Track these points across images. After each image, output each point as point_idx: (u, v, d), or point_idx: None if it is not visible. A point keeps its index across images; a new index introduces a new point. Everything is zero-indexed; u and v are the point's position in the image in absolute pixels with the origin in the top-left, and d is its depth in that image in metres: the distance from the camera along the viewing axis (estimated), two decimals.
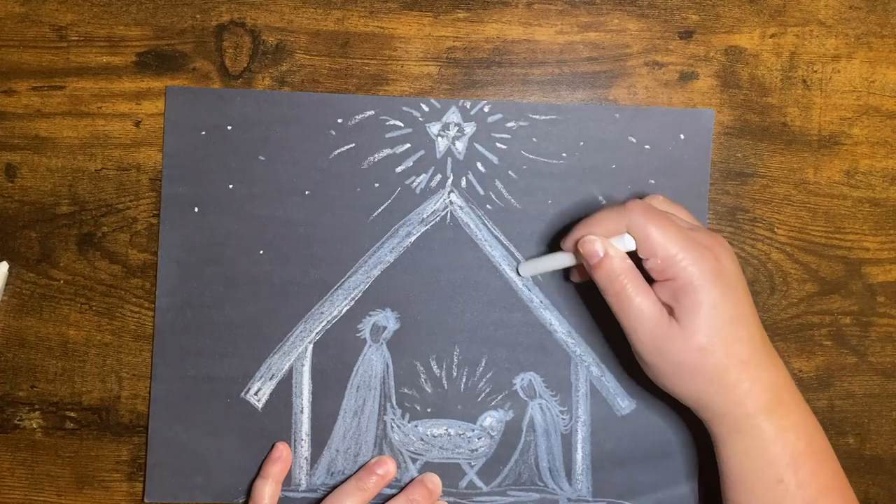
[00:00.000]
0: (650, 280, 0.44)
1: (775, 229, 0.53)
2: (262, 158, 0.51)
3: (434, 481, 0.50)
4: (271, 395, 0.51)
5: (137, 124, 0.52)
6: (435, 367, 0.52)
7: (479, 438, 0.51)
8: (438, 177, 0.52)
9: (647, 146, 0.52)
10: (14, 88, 0.52)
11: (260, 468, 0.50)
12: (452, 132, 0.52)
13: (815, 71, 0.53)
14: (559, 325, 0.52)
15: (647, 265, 0.43)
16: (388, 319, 0.52)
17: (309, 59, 0.52)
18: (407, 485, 0.51)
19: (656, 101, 0.52)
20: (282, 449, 0.50)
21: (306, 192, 0.51)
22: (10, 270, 0.51)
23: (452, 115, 0.52)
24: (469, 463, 0.51)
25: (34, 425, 0.52)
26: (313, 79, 0.52)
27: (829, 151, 0.53)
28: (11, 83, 0.52)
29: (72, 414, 0.52)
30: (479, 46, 0.52)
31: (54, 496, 0.51)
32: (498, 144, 0.52)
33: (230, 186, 0.51)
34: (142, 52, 0.52)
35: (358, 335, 0.52)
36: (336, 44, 0.52)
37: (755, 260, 0.52)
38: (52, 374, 0.52)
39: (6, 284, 0.51)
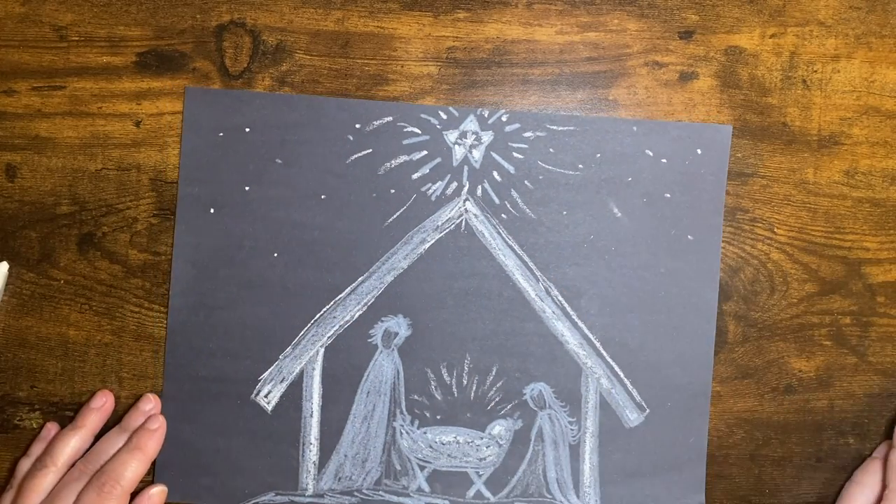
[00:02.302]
0: None
1: (775, 229, 0.53)
2: (279, 161, 0.51)
3: (161, 490, 0.50)
4: (281, 398, 0.51)
5: (137, 124, 0.52)
6: (445, 375, 0.52)
7: (487, 447, 0.51)
8: (454, 185, 0.52)
9: (663, 160, 0.52)
10: (14, 88, 0.52)
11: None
12: (469, 140, 0.52)
13: (815, 71, 0.53)
14: (571, 336, 0.52)
15: None
16: (399, 326, 0.52)
17: (309, 59, 0.52)
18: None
19: (656, 101, 0.52)
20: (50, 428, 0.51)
21: (322, 197, 0.51)
22: (10, 270, 0.51)
23: (470, 124, 0.52)
24: (477, 472, 0.51)
25: (34, 425, 0.52)
26: (313, 79, 0.52)
27: (829, 151, 0.53)
28: (11, 83, 0.52)
29: (72, 414, 0.52)
30: (479, 46, 0.52)
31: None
32: (515, 154, 0.52)
33: (246, 188, 0.51)
34: (142, 52, 0.52)
35: (369, 340, 0.52)
36: (336, 44, 0.52)
37: (755, 260, 0.53)
38: (52, 374, 0.52)
39: (6, 284, 0.51)
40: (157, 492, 0.50)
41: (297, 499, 0.51)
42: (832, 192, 0.53)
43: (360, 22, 0.52)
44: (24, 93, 0.52)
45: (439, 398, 0.52)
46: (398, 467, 0.51)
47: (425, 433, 0.51)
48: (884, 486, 0.48)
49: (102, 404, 0.50)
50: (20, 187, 0.52)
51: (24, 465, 0.49)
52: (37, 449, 0.50)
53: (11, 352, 0.52)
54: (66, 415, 0.51)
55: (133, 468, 0.47)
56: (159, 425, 0.50)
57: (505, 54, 0.52)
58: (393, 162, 0.52)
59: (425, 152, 0.52)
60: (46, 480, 0.47)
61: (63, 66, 0.52)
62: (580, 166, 0.52)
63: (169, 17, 0.52)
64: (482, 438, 0.51)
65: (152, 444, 0.49)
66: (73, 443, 0.49)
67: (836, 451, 0.52)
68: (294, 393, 0.51)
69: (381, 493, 0.51)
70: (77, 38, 0.52)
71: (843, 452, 0.52)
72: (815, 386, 0.53)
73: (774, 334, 0.53)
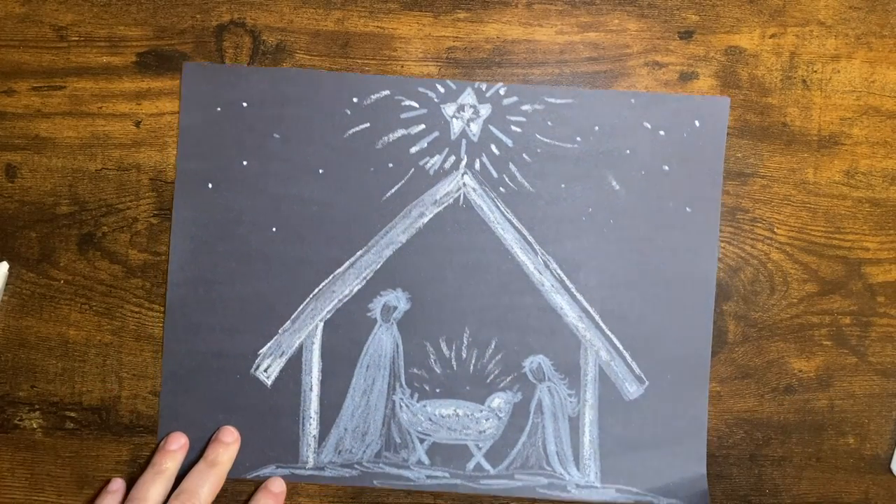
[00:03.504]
0: None
1: (775, 229, 0.53)
2: (277, 136, 0.52)
3: (279, 485, 0.50)
4: (281, 372, 0.51)
5: (137, 124, 0.52)
6: (445, 348, 0.52)
7: (486, 419, 0.52)
8: (452, 158, 0.52)
9: (661, 132, 0.52)
10: (14, 88, 0.52)
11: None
12: (467, 114, 0.52)
13: (815, 71, 0.53)
14: (569, 308, 0.52)
15: None
16: (398, 299, 0.52)
17: (309, 59, 0.52)
18: (255, 494, 0.50)
19: None
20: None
21: (320, 171, 0.52)
22: (10, 270, 0.51)
23: (468, 97, 0.52)
24: (477, 445, 0.52)
25: (34, 425, 0.52)
26: None
27: (829, 151, 0.53)
28: (11, 83, 0.52)
29: (72, 414, 0.52)
30: (479, 46, 0.52)
31: (54, 496, 0.51)
32: (513, 127, 0.52)
33: (244, 163, 0.52)
34: (142, 52, 0.52)
35: (368, 315, 0.52)
36: (336, 44, 0.52)
37: (755, 260, 0.53)
38: (52, 374, 0.52)
39: (6, 284, 0.51)
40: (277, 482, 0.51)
41: (297, 471, 0.51)
42: (832, 192, 0.53)
43: (360, 22, 0.52)
44: (24, 93, 0.52)
45: (438, 371, 0.52)
46: (398, 440, 0.52)
47: (425, 406, 0.52)
48: None
49: (180, 445, 0.50)
50: (20, 187, 0.52)
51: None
52: (107, 502, 0.49)
53: (11, 352, 0.52)
54: (66, 415, 0.52)
55: (210, 483, 0.48)
56: (234, 439, 0.50)
57: (505, 54, 0.52)
58: (391, 136, 0.52)
59: (423, 126, 0.52)
60: None
61: (63, 66, 0.52)
62: (578, 139, 0.52)
63: (169, 17, 0.52)
64: (481, 411, 0.52)
65: (227, 457, 0.50)
66: (160, 484, 0.48)
67: (836, 451, 0.52)
68: (293, 367, 0.51)
69: (381, 465, 0.51)
70: (77, 38, 0.52)
71: (843, 452, 0.52)
72: (815, 386, 0.53)
73: (774, 334, 0.53)
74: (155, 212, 0.52)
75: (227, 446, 0.50)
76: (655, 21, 0.53)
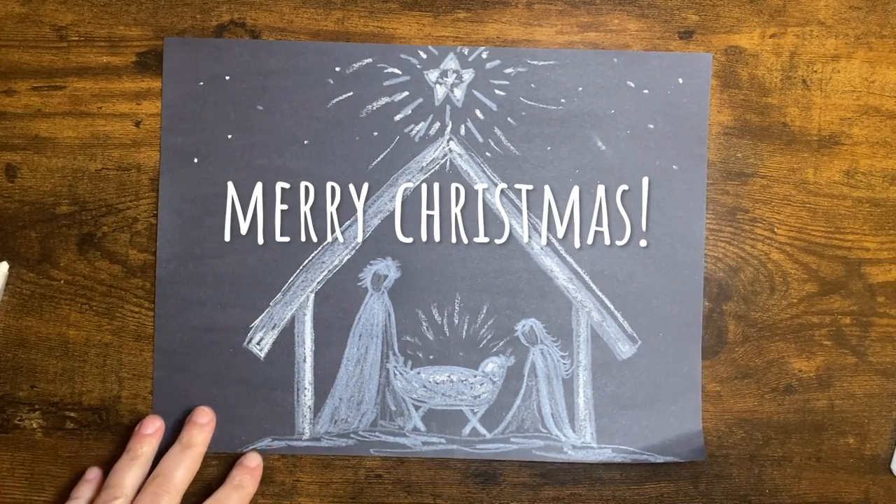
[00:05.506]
0: None
1: (775, 229, 0.53)
2: (261, 108, 0.52)
3: (254, 459, 0.50)
4: (273, 344, 0.51)
5: (137, 124, 0.52)
6: (436, 315, 0.52)
7: (481, 384, 0.52)
8: (437, 125, 0.52)
9: (645, 91, 0.52)
10: (14, 88, 0.52)
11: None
12: (451, 79, 0.52)
13: (815, 71, 0.53)
14: (559, 270, 0.52)
15: None
16: (388, 268, 0.52)
17: None
18: (230, 471, 0.50)
19: None
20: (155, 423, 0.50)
21: (305, 142, 0.52)
22: (10, 270, 0.51)
23: (450, 62, 0.52)
24: (472, 410, 0.52)
25: (34, 425, 0.52)
26: None
27: (829, 151, 0.53)
28: (11, 83, 0.52)
29: (72, 414, 0.52)
30: (479, 46, 0.52)
31: (54, 496, 0.51)
32: (496, 91, 0.52)
33: (229, 137, 0.52)
34: (142, 52, 0.52)
35: (359, 284, 0.52)
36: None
37: (755, 260, 0.53)
38: (52, 374, 0.52)
39: (6, 284, 0.51)
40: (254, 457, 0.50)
41: (294, 443, 0.51)
42: (832, 192, 0.53)
43: (360, 22, 0.52)
44: (24, 93, 0.52)
45: (431, 338, 0.52)
46: (393, 408, 0.52)
47: (419, 373, 0.52)
48: None
49: (155, 429, 0.50)
50: (20, 187, 0.52)
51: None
52: (83, 491, 0.49)
53: (11, 352, 0.52)
54: (66, 415, 0.52)
55: (185, 466, 0.48)
56: (208, 420, 0.50)
57: None
58: (374, 104, 0.52)
59: (406, 93, 0.52)
60: None
61: (63, 66, 0.52)
62: (562, 101, 0.52)
63: (169, 17, 0.52)
64: (475, 376, 0.52)
65: (201, 438, 0.49)
66: (136, 470, 0.48)
67: (836, 451, 0.52)
68: (286, 339, 0.51)
69: (377, 433, 0.51)
70: (77, 38, 0.52)
71: (843, 452, 0.52)
72: (815, 386, 0.53)
73: (774, 334, 0.53)
74: (155, 212, 0.52)
75: (202, 427, 0.50)
76: (655, 21, 0.53)
